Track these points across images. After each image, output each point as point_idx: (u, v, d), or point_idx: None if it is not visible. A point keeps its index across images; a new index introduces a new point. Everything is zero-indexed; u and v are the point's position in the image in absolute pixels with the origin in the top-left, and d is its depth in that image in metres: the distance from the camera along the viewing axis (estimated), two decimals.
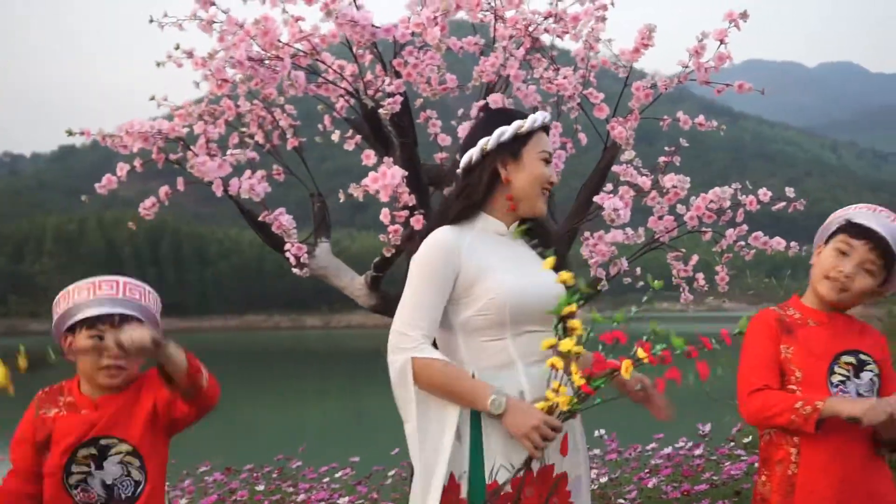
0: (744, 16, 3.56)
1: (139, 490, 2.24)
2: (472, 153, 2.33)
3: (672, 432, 5.23)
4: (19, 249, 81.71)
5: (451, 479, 2.16)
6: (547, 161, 2.34)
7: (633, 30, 3.78)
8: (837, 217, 2.43)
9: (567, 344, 2.07)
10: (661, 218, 3.89)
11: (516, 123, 2.30)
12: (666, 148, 3.99)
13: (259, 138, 4.09)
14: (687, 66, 3.69)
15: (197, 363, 2.20)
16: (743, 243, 4.05)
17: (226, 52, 3.51)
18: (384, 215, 3.58)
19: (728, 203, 3.94)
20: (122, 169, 3.69)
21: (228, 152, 3.86)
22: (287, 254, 3.77)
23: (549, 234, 2.46)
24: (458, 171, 2.40)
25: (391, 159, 3.52)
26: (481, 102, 3.62)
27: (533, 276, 2.23)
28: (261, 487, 4.76)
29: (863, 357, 2.30)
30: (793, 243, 3.98)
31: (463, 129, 3.63)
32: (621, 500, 4.15)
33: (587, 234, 3.93)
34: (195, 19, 3.63)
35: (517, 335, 2.21)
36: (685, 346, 2.06)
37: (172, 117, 3.91)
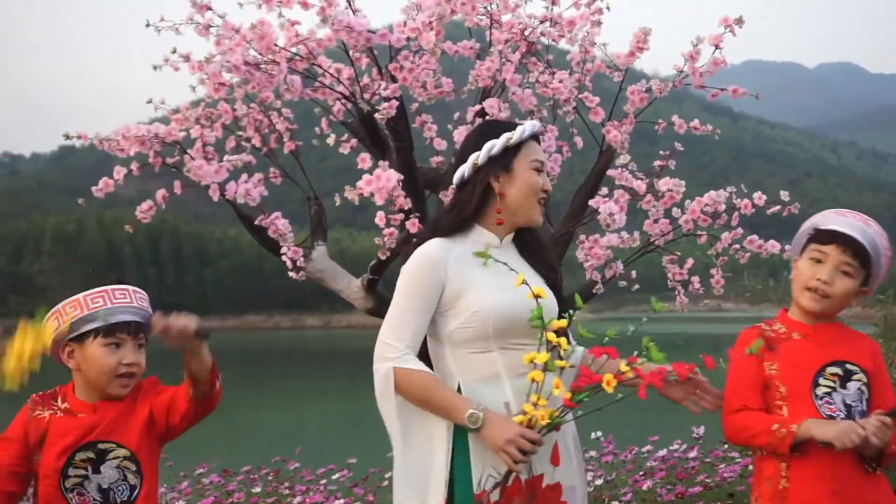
0: (739, 21, 3.59)
1: (134, 495, 2.25)
2: (464, 169, 2.36)
3: (667, 435, 5.24)
4: (18, 249, 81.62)
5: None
6: (539, 170, 2.35)
7: (629, 31, 3.80)
8: (806, 228, 2.44)
9: (543, 356, 2.07)
10: (656, 221, 3.91)
11: (505, 136, 2.32)
12: (661, 152, 4.00)
13: (256, 142, 4.11)
14: (682, 71, 3.71)
15: (216, 366, 2.27)
16: (738, 246, 4.06)
17: (222, 56, 3.52)
18: (379, 218, 3.59)
19: (723, 206, 3.95)
20: (119, 172, 3.71)
21: (226, 157, 3.87)
22: (283, 257, 3.78)
23: (542, 245, 2.48)
24: (452, 185, 2.43)
25: (386, 163, 3.53)
26: (477, 107, 3.63)
27: (519, 290, 2.21)
28: (258, 489, 4.77)
29: (850, 367, 2.28)
30: (788, 246, 3.98)
31: (459, 134, 3.65)
32: (616, 503, 4.16)
33: (582, 237, 3.94)
34: (192, 23, 3.65)
35: (504, 348, 2.23)
36: (665, 362, 2.08)
37: (169, 121, 3.93)
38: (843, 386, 2.27)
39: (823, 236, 2.35)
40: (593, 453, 5.09)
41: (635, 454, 5.03)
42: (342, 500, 4.62)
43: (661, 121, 3.99)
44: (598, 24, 3.86)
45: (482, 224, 2.36)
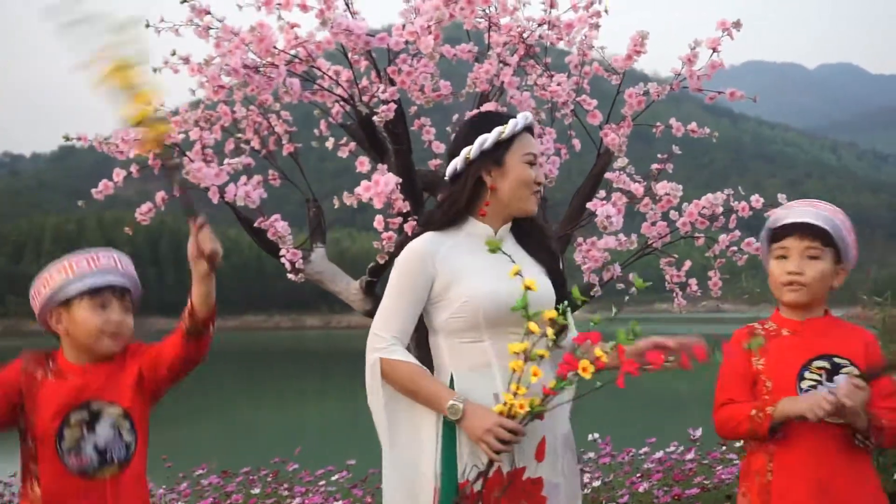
0: (736, 24, 3.60)
1: (130, 452, 2.27)
2: (456, 162, 2.36)
3: (664, 436, 5.25)
4: (19, 250, 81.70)
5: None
6: (532, 163, 2.35)
7: (627, 33, 3.81)
8: (764, 233, 2.48)
9: (521, 345, 2.07)
10: (653, 224, 3.92)
11: (497, 130, 2.31)
12: (659, 155, 4.02)
13: (255, 144, 4.12)
14: (680, 74, 3.72)
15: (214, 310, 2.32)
16: (736, 248, 4.07)
17: (221, 59, 3.53)
18: (378, 222, 3.61)
19: (721, 209, 3.97)
20: (119, 175, 3.72)
21: (226, 161, 3.88)
22: (282, 259, 3.80)
23: (541, 231, 2.47)
24: (446, 178, 2.44)
25: (385, 166, 3.55)
26: (475, 112, 3.64)
27: (512, 280, 2.21)
28: (257, 490, 4.79)
29: (838, 360, 2.29)
30: None
31: None
32: None
33: (580, 239, 3.96)
34: (191, 25, 3.66)
35: (496, 338, 2.23)
36: (634, 339, 2.08)
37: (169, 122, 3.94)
38: (830, 379, 2.28)
39: (779, 233, 2.39)
40: (591, 455, 5.10)
41: (632, 456, 5.04)
42: (341, 502, 4.64)
43: (658, 124, 4.00)
44: (597, 27, 3.88)
45: (476, 217, 2.37)
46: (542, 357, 2.07)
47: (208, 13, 3.55)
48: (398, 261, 2.34)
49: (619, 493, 4.31)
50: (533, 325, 2.07)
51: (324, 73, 3.70)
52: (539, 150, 2.42)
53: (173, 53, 3.79)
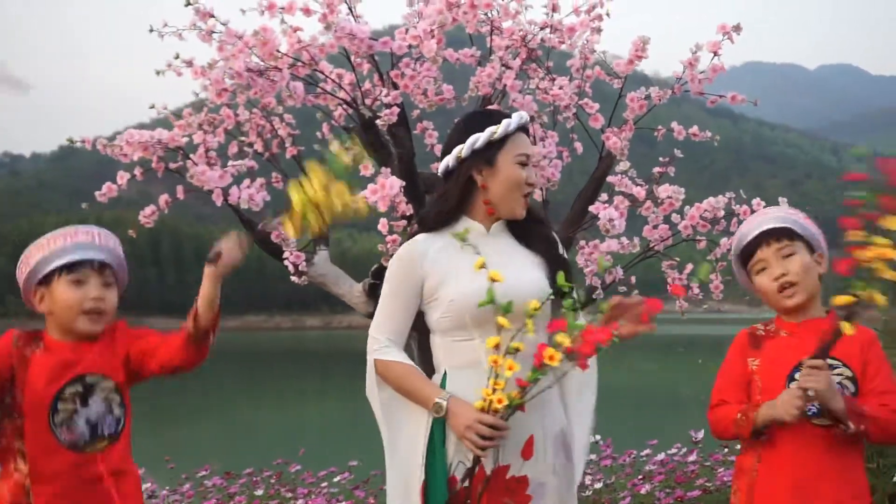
0: (737, 28, 3.62)
1: (120, 427, 2.28)
2: (448, 160, 2.37)
3: (665, 438, 5.26)
4: (18, 250, 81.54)
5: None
6: (524, 164, 2.34)
7: (629, 36, 3.82)
8: (736, 264, 2.54)
9: (493, 340, 2.09)
10: (655, 227, 3.94)
11: (489, 130, 2.31)
12: (661, 159, 4.03)
13: (258, 147, 4.13)
14: (681, 78, 3.73)
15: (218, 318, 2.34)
16: None
17: (225, 62, 3.54)
18: (382, 225, 3.61)
19: (722, 212, 3.98)
20: (123, 177, 3.73)
21: (230, 163, 3.90)
22: (286, 262, 3.81)
23: (538, 220, 2.45)
24: (439, 174, 2.45)
25: (388, 169, 3.56)
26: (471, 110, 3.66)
27: (510, 278, 2.23)
28: (260, 492, 4.80)
29: (830, 362, 2.28)
30: None
31: None
32: None
33: (582, 242, 3.97)
34: (195, 29, 3.67)
35: (486, 335, 2.20)
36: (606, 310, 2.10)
37: (170, 124, 3.95)
38: None
39: (748, 252, 2.45)
40: (592, 457, 5.11)
41: (634, 458, 5.06)
42: (344, 503, 4.65)
43: (660, 127, 4.01)
44: (599, 31, 3.88)
45: (469, 215, 2.38)
46: (517, 350, 2.08)
47: (212, 16, 3.55)
48: (390, 264, 2.39)
49: (621, 495, 4.33)
50: (502, 320, 2.09)
51: (326, 76, 3.71)
52: (533, 152, 2.40)
53: (176, 57, 3.79)
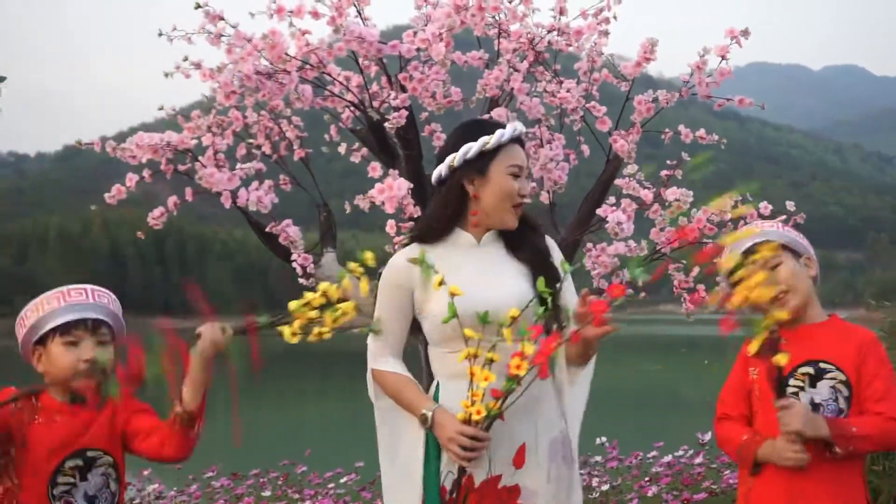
0: (745, 33, 3.62)
1: (115, 502, 2.29)
2: (441, 169, 2.37)
3: (672, 440, 5.27)
4: (24, 249, 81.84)
5: None
6: (516, 175, 2.33)
7: (633, 37, 3.83)
8: (725, 280, 2.53)
9: (467, 352, 2.09)
10: (662, 230, 3.94)
11: (482, 140, 2.30)
12: (668, 162, 4.04)
13: (266, 149, 4.14)
14: (688, 81, 3.74)
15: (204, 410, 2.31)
16: None
17: (234, 65, 3.56)
18: (390, 227, 3.63)
19: (729, 215, 3.98)
20: (132, 179, 3.75)
21: (238, 166, 3.91)
22: (293, 264, 3.82)
23: (530, 229, 2.43)
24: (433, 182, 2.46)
25: (396, 171, 3.57)
26: (485, 116, 3.67)
27: (485, 291, 2.24)
28: (267, 493, 4.82)
29: (823, 366, 2.31)
30: None
31: None
32: None
33: (589, 245, 3.98)
34: (204, 32, 3.69)
35: (484, 343, 2.17)
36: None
37: (177, 125, 3.97)
38: (813, 385, 2.32)
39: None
40: (598, 458, 5.12)
41: (640, 459, 5.06)
42: None
43: (667, 130, 4.02)
44: (606, 34, 3.89)
45: (461, 225, 2.38)
46: (492, 361, 2.08)
47: (221, 19, 3.57)
48: (382, 275, 2.40)
49: (628, 496, 4.34)
50: (469, 332, 2.09)
51: (334, 78, 3.73)
52: (526, 163, 2.39)
53: (185, 59, 3.81)
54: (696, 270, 4.16)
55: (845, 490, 2.28)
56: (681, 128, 4.00)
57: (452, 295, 2.13)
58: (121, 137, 3.90)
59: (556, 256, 2.43)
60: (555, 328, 2.15)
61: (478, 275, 2.28)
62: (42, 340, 2.29)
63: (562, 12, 3.81)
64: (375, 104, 3.70)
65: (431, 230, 2.39)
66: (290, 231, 3.78)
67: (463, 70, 3.84)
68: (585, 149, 4.12)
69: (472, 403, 2.10)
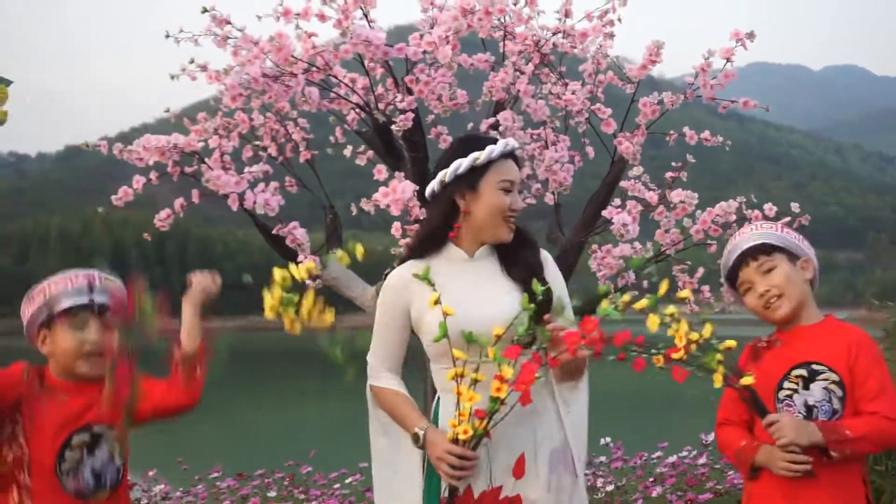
0: (750, 35, 3.63)
1: (120, 476, 2.32)
2: (434, 185, 2.37)
3: (676, 441, 5.28)
4: (24, 250, 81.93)
5: None
6: (508, 190, 2.33)
7: (636, 38, 3.83)
8: (725, 285, 2.59)
9: (453, 372, 2.10)
10: (667, 231, 3.96)
11: (472, 156, 2.30)
12: (673, 164, 4.05)
13: (272, 151, 4.15)
14: (693, 83, 3.75)
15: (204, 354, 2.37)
16: None
17: (241, 67, 3.58)
18: (395, 229, 3.65)
19: (734, 217, 4.00)
20: (139, 181, 3.76)
21: (246, 169, 3.92)
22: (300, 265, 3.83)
23: (521, 243, 2.42)
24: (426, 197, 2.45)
25: (402, 173, 3.59)
26: (491, 120, 3.68)
27: (476, 307, 2.25)
28: (273, 494, 4.83)
29: (816, 367, 2.31)
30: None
31: None
32: None
33: (595, 246, 4.00)
34: (210, 34, 3.70)
35: (469, 363, 2.15)
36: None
37: (182, 126, 3.98)
38: (807, 387, 2.32)
39: (732, 276, 2.50)
40: (603, 459, 5.13)
41: (645, 460, 5.07)
42: None
43: (672, 132, 4.03)
44: (611, 36, 3.90)
45: (454, 241, 2.38)
46: (476, 381, 2.08)
47: (228, 23, 3.59)
48: (381, 291, 2.42)
49: (633, 497, 4.35)
50: (458, 353, 2.09)
51: (340, 80, 3.74)
52: (518, 178, 2.38)
53: (191, 61, 3.82)
54: (700, 271, 4.18)
55: (844, 493, 2.27)
56: (686, 129, 4.02)
57: (445, 315, 2.13)
58: (122, 138, 3.92)
59: (551, 271, 2.42)
60: (535, 349, 2.13)
61: (470, 290, 2.29)
62: (48, 323, 2.31)
63: (567, 15, 3.82)
64: (381, 106, 3.72)
65: (424, 245, 2.40)
66: (296, 233, 3.79)
67: (469, 73, 3.86)
68: (590, 150, 4.14)
69: (459, 423, 2.11)
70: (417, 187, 3.46)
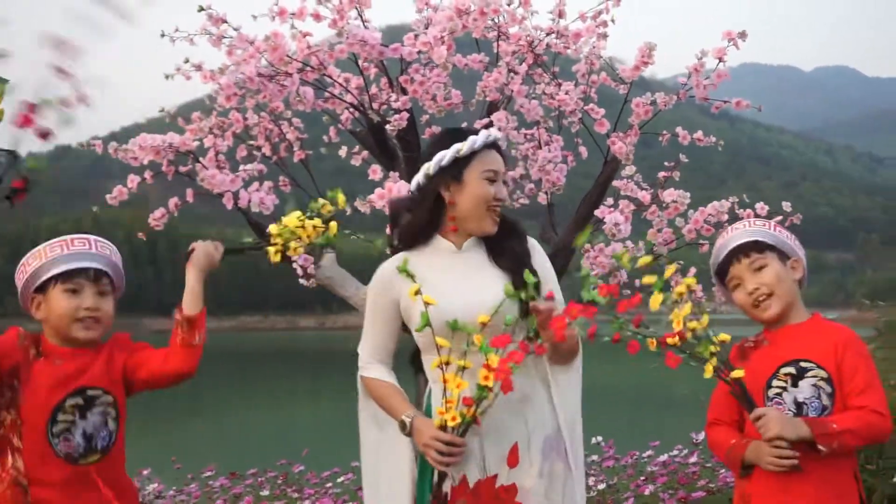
0: (742, 35, 3.64)
1: (112, 440, 2.30)
2: (418, 178, 2.41)
3: (667, 440, 5.31)
4: (15, 250, 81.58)
5: None
6: (492, 180, 2.35)
7: (629, 38, 3.86)
8: (715, 281, 2.61)
9: (440, 360, 2.14)
10: (660, 231, 3.98)
11: (455, 147, 2.33)
12: (666, 163, 4.07)
13: (266, 150, 4.16)
14: (686, 84, 3.77)
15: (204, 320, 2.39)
16: None
17: (236, 67, 3.58)
18: (390, 229, 3.65)
19: (726, 216, 4.03)
20: (133, 181, 3.77)
21: (241, 168, 3.93)
22: (294, 265, 3.85)
23: (508, 234, 2.43)
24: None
25: (397, 174, 3.60)
26: (485, 120, 3.70)
27: (463, 297, 2.27)
28: (266, 492, 4.84)
29: (804, 365, 2.33)
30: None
31: None
32: None
33: (588, 246, 4.01)
34: (205, 34, 3.71)
35: (458, 353, 2.18)
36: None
37: (177, 125, 3.99)
38: (795, 384, 2.34)
39: (723, 271, 2.52)
40: (594, 457, 5.16)
41: (636, 459, 5.10)
42: None
43: (665, 132, 4.05)
44: (604, 36, 3.92)
45: (441, 232, 2.41)
46: (464, 368, 2.12)
47: (224, 22, 3.59)
48: (370, 284, 2.45)
49: (624, 496, 4.37)
50: (441, 341, 2.14)
51: (334, 80, 3.75)
52: (502, 168, 2.40)
53: (186, 61, 3.83)
54: (693, 271, 4.20)
55: (835, 488, 2.29)
56: (679, 130, 4.04)
57: (426, 304, 2.17)
58: (113, 138, 3.92)
59: (538, 259, 2.43)
60: (523, 338, 2.15)
61: (459, 281, 2.31)
62: (42, 288, 2.32)
63: (560, 15, 3.84)
64: (375, 106, 3.73)
65: (411, 238, 2.43)
66: None
67: (463, 73, 3.87)
68: (583, 150, 4.16)
69: (447, 410, 2.14)
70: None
